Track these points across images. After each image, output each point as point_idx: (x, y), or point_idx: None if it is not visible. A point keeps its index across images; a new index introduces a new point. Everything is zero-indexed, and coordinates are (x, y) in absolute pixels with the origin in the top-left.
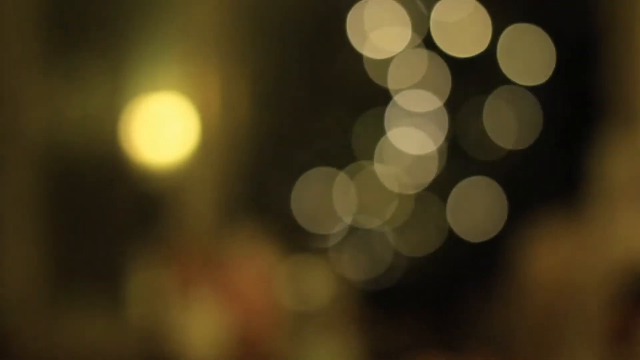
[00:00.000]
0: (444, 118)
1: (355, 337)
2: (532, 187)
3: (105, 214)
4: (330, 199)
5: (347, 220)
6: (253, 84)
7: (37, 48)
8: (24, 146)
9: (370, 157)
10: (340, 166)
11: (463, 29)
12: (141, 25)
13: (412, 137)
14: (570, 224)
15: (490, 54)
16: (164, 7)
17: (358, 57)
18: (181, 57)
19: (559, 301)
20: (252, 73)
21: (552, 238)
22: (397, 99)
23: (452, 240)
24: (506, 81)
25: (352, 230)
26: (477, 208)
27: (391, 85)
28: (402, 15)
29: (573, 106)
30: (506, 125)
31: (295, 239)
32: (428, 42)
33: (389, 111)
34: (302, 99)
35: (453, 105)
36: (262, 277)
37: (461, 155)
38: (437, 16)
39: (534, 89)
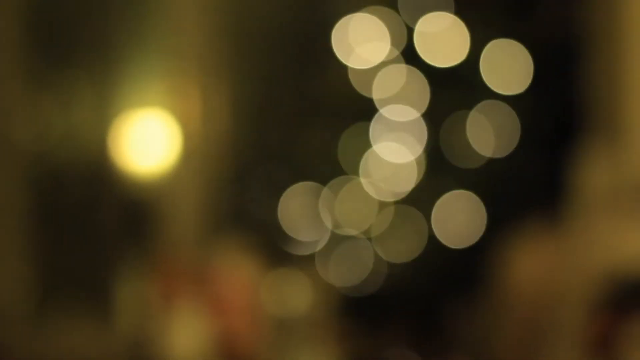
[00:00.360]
0: (424, 129)
1: (336, 346)
2: (513, 195)
3: (91, 225)
4: (314, 210)
5: (329, 228)
6: (235, 99)
7: (25, 64)
8: (10, 158)
9: (355, 170)
10: (325, 179)
11: (443, 41)
12: (126, 42)
13: (396, 147)
14: (551, 232)
15: (469, 66)
16: (147, 25)
17: (343, 69)
18: (164, 73)
19: (540, 309)
20: (234, 88)
21: (533, 246)
22: (383, 112)
23: (434, 247)
24: (486, 93)
25: (334, 238)
26: (458, 215)
27: (376, 98)
28: (383, 30)
29: (554, 116)
30: (487, 135)
31: (278, 248)
32: (408, 56)
33: (374, 124)
34: (286, 113)
35: (433, 117)
36: (245, 288)
37: (441, 164)
38: (421, 28)
39: (513, 100)
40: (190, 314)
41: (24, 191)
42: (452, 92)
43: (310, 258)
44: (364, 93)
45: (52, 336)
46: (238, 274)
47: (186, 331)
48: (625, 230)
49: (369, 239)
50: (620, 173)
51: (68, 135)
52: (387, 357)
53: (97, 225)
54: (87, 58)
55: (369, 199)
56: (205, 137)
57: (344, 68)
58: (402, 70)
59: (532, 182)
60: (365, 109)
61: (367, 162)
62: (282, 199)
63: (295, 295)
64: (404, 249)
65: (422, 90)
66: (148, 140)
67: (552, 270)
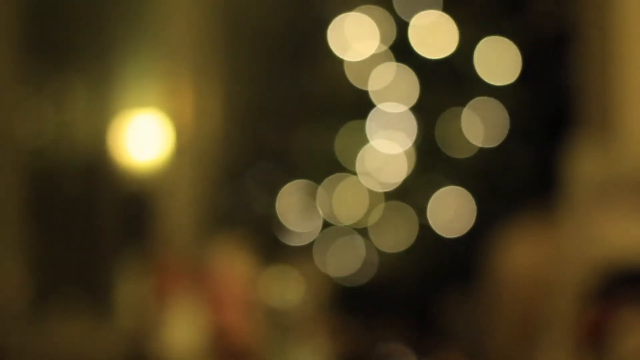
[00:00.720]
0: (414, 123)
1: (330, 340)
2: (506, 187)
3: (88, 223)
4: (309, 203)
5: (323, 219)
6: (229, 97)
7: (22, 65)
8: (7, 157)
9: (351, 164)
10: (320, 177)
11: (434, 35)
12: (121, 44)
13: (390, 140)
14: (544, 223)
15: (460, 61)
16: (141, 27)
17: (337, 65)
18: (158, 73)
19: (532, 300)
20: (227, 87)
21: (525, 237)
22: (379, 107)
23: (427, 237)
24: (477, 87)
25: (328, 229)
26: (451, 205)
27: (372, 95)
28: (375, 29)
29: (546, 109)
30: (477, 127)
31: (273, 242)
32: (399, 54)
33: (370, 120)
34: (279, 110)
35: (425, 111)
36: (240, 283)
37: (434, 156)
38: (413, 25)
39: (504, 93)
40: (186, 309)
41: (21, 189)
42: (443, 87)
43: (305, 249)
44: (360, 89)
45: (50, 333)
46: (233, 269)
47: (182, 326)
48: (616, 222)
49: (364, 229)
50: (611, 165)
51: (63, 134)
52: (381, 350)
53: (94, 223)
54: (84, 60)
55: (363, 192)
56: (198, 135)
57: (339, 63)
58: (393, 67)
59: (524, 174)
60: (360, 106)
61: (363, 156)
62: (276, 194)
63: (289, 290)
64: (398, 239)
65: (413, 86)
66: (142, 139)
67: (544, 261)
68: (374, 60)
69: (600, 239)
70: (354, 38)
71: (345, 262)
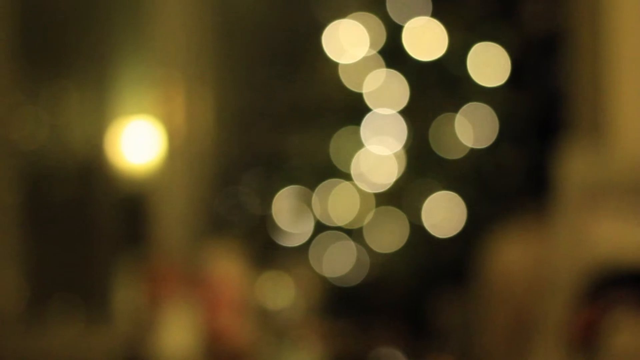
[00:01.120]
0: (404, 127)
1: (323, 344)
2: (498, 188)
3: (82, 229)
4: (302, 206)
5: (316, 220)
6: (220, 103)
7: (17, 73)
8: (2, 161)
9: (346, 167)
10: (313, 183)
11: (424, 39)
12: (114, 53)
13: (384, 141)
14: (536, 224)
15: (451, 65)
16: (134, 36)
17: (331, 71)
18: (150, 81)
19: (524, 302)
20: (219, 94)
21: (517, 240)
22: (371, 113)
23: (419, 237)
24: (468, 89)
25: (322, 230)
26: (443, 208)
27: (365, 100)
28: (366, 36)
29: (538, 111)
30: (468, 129)
31: (265, 244)
32: (391, 59)
33: (364, 125)
34: (271, 116)
35: (416, 115)
36: (234, 285)
37: (426, 158)
38: (405, 31)
39: (495, 95)
40: (181, 312)
41: (15, 194)
42: (435, 91)
43: (298, 252)
44: (354, 93)
45: (45, 338)
46: (227, 272)
47: (177, 329)
48: (606, 223)
49: (358, 231)
50: (601, 167)
51: (58, 140)
52: (373, 354)
53: (89, 228)
54: (78, 67)
55: (357, 193)
56: (191, 140)
57: (333, 67)
58: (385, 73)
59: (515, 175)
60: (354, 110)
61: (358, 159)
62: (270, 197)
63: (283, 293)
64: (391, 241)
65: (404, 91)
66: (136, 145)
67: (536, 262)
68: (367, 66)
69: (591, 240)
70: (347, 44)
71: (339, 264)
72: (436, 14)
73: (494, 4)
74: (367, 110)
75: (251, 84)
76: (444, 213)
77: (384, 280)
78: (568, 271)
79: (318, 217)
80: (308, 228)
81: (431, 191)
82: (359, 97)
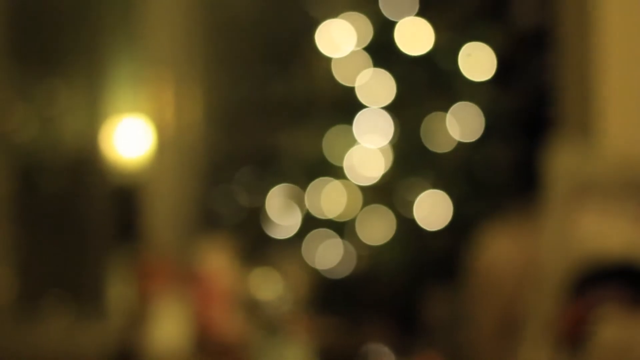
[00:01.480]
0: (391, 123)
1: (314, 338)
2: (487, 183)
3: (74, 224)
4: (292, 203)
5: (305, 213)
6: (210, 101)
7: (9, 72)
8: None
9: (340, 161)
10: (305, 181)
11: (413, 38)
12: (107, 52)
13: (374, 136)
14: (524, 221)
15: (440, 63)
16: (124, 34)
17: (323, 67)
18: (141, 79)
19: (513, 297)
20: (209, 92)
21: (505, 235)
22: (361, 111)
23: (409, 230)
24: (456, 86)
25: (312, 222)
26: (431, 203)
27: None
28: (354, 35)
29: (526, 108)
30: (457, 124)
31: (256, 238)
32: (381, 58)
33: (356, 122)
34: (260, 114)
35: (406, 113)
36: (225, 283)
37: (415, 153)
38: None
39: (483, 92)
40: (172, 307)
41: (7, 190)
42: (424, 89)
43: (289, 246)
44: (346, 87)
45: (37, 333)
46: (218, 266)
47: (168, 324)
48: (594, 219)
49: (349, 224)
50: (589, 163)
51: (49, 137)
52: (362, 350)
53: (81, 223)
54: (70, 66)
55: (349, 187)
56: (182, 138)
57: (326, 62)
58: (376, 71)
59: (503, 171)
60: (345, 107)
61: (350, 154)
62: (261, 192)
63: (274, 287)
64: (380, 234)
65: (392, 89)
66: (127, 142)
67: (524, 257)
68: (357, 64)
69: (578, 236)
70: (338, 43)
71: (330, 258)
72: (423, 12)
73: (481, 2)
74: (359, 107)
75: (241, 81)
76: (432, 208)
77: (374, 274)
78: (555, 266)
79: (309, 210)
80: (298, 221)
81: (420, 187)
82: (350, 92)
